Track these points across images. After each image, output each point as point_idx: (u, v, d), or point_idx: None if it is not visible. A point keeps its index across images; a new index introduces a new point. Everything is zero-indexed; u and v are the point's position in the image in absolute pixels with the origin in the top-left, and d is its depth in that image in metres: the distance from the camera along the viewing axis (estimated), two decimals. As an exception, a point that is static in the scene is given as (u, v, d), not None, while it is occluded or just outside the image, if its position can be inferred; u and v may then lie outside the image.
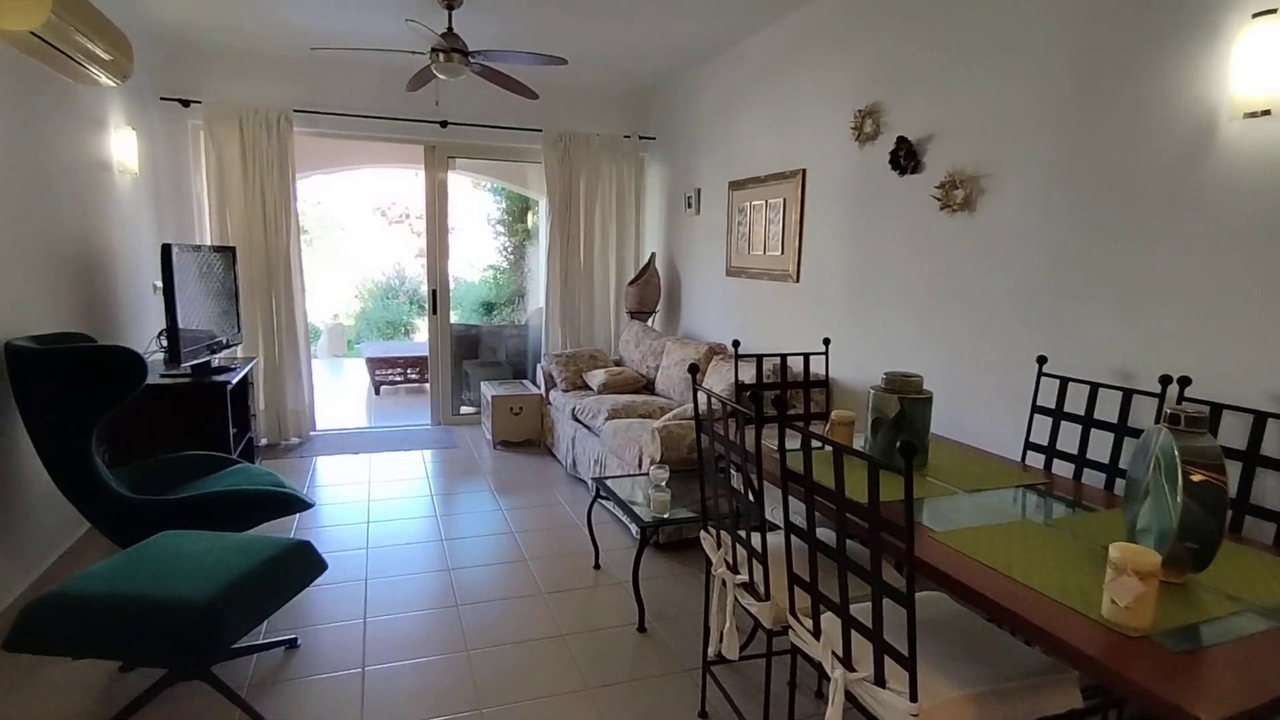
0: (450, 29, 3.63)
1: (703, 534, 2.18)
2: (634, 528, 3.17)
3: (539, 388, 5.22)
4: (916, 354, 2.98)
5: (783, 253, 3.93)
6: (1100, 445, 2.18)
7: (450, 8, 3.65)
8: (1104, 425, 2.14)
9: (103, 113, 3.59)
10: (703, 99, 4.82)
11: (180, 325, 3.43)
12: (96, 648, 1.86)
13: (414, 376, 7.34)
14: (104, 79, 3.22)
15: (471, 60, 3.68)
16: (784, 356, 2.78)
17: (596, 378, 4.69)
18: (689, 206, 5.03)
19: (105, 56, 3.05)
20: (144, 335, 3.95)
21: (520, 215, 9.64)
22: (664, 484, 2.92)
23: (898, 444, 1.21)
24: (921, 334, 2.95)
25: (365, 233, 13.05)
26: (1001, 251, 2.58)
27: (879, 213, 3.19)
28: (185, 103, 4.55)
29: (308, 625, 2.60)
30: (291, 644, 2.48)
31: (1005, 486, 1.99)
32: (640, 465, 3.42)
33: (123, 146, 3.79)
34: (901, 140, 2.98)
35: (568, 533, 3.53)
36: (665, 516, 2.75)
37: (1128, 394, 2.08)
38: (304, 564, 2.26)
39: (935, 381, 2.82)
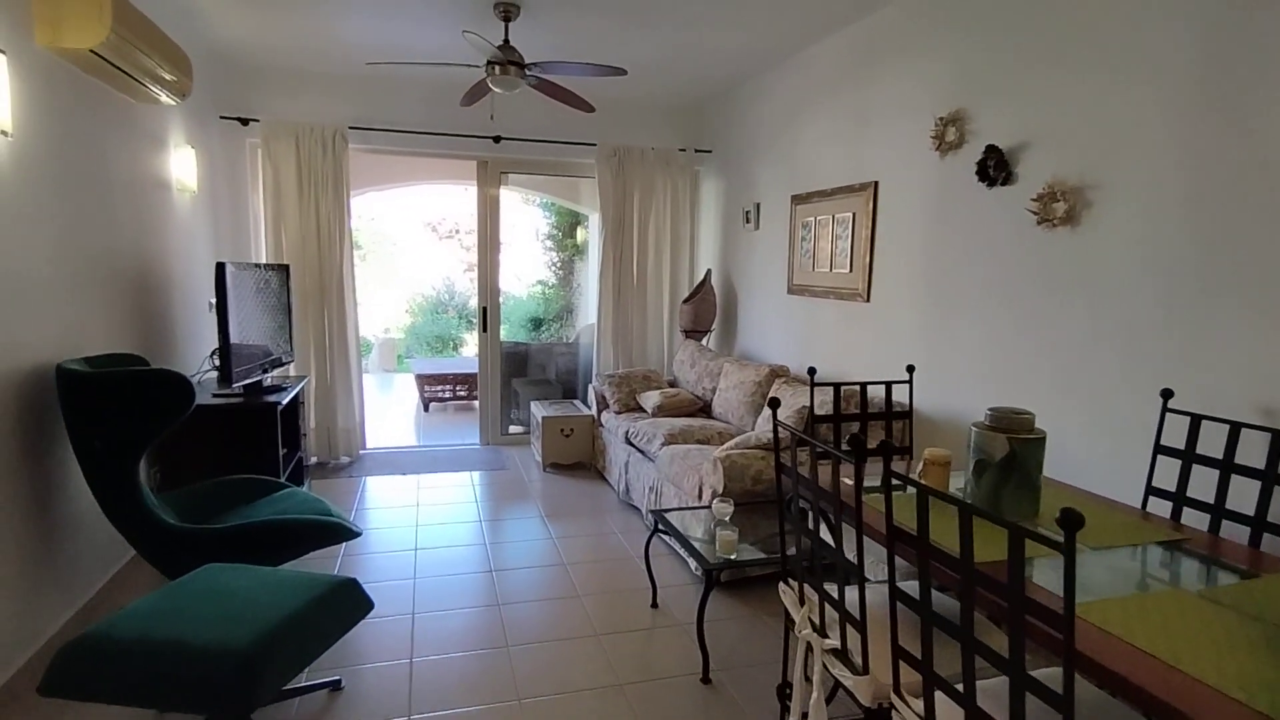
0: (507, 41, 3.53)
1: (782, 587, 1.96)
2: (697, 568, 2.97)
3: (590, 408, 5.07)
4: (1008, 383, 2.71)
5: (851, 270, 3.70)
6: (1241, 493, 1.89)
7: (507, 19, 3.56)
8: (1248, 471, 1.85)
9: (163, 131, 3.59)
10: (763, 109, 4.63)
11: (233, 344, 3.38)
12: (131, 695, 1.74)
13: (462, 394, 7.28)
14: (164, 97, 3.20)
15: (528, 73, 3.57)
16: (864, 385, 2.55)
17: (651, 399, 4.51)
18: (747, 221, 4.83)
19: (165, 75, 3.02)
20: (199, 354, 3.93)
21: (570, 230, 9.57)
22: (728, 519, 2.71)
23: (1060, 514, 0.99)
24: (1014, 361, 2.69)
25: (417, 248, 13.23)
26: (1111, 270, 2.32)
27: (963, 227, 2.95)
28: (244, 121, 4.57)
29: (352, 665, 2.46)
30: (335, 686, 2.34)
31: (1136, 542, 1.72)
32: (700, 496, 3.21)
33: (182, 165, 3.78)
34: (991, 149, 2.74)
35: (622, 566, 3.34)
36: (733, 558, 2.53)
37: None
38: (350, 604, 2.12)
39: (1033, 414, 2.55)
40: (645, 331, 5.47)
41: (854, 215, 3.68)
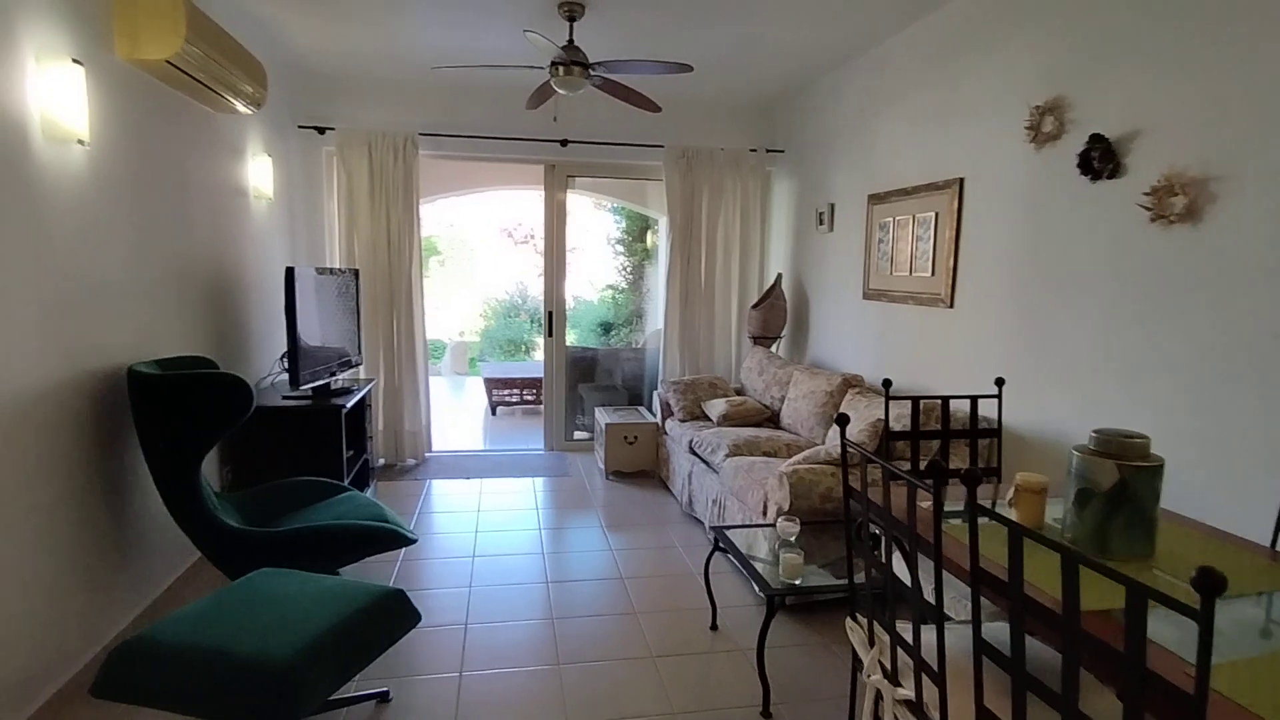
0: (571, 41, 3.47)
1: (849, 623, 1.78)
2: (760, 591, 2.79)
3: (655, 416, 4.95)
4: (1113, 401, 2.43)
5: (933, 273, 3.44)
6: None
7: (571, 19, 3.49)
8: None
9: (241, 140, 3.70)
10: (838, 106, 4.41)
11: (301, 347, 3.44)
12: (175, 702, 1.73)
13: (530, 398, 7.30)
14: (241, 107, 3.29)
15: (592, 73, 3.49)
16: (946, 399, 2.32)
17: (716, 408, 4.35)
18: (820, 223, 4.61)
19: (240, 85, 3.09)
20: (272, 356, 4.03)
21: (640, 235, 9.51)
22: (794, 540, 2.53)
23: (1196, 574, 0.80)
24: (1120, 375, 2.40)
25: (493, 253, 13.51)
26: (1238, 272, 2.02)
27: (1061, 226, 2.67)
28: (321, 130, 4.68)
29: (401, 676, 2.42)
30: (383, 697, 2.30)
31: (1266, 589, 1.46)
32: (765, 513, 3.04)
33: (260, 173, 3.89)
34: (1095, 138, 2.46)
35: (681, 583, 3.20)
36: (797, 583, 2.36)
37: None
38: (395, 617, 2.06)
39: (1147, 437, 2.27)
40: (712, 337, 5.31)
41: (936, 215, 3.42)
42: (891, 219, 3.80)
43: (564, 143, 4.99)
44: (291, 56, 4.30)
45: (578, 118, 4.98)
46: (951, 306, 3.32)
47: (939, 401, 2.39)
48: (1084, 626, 1.03)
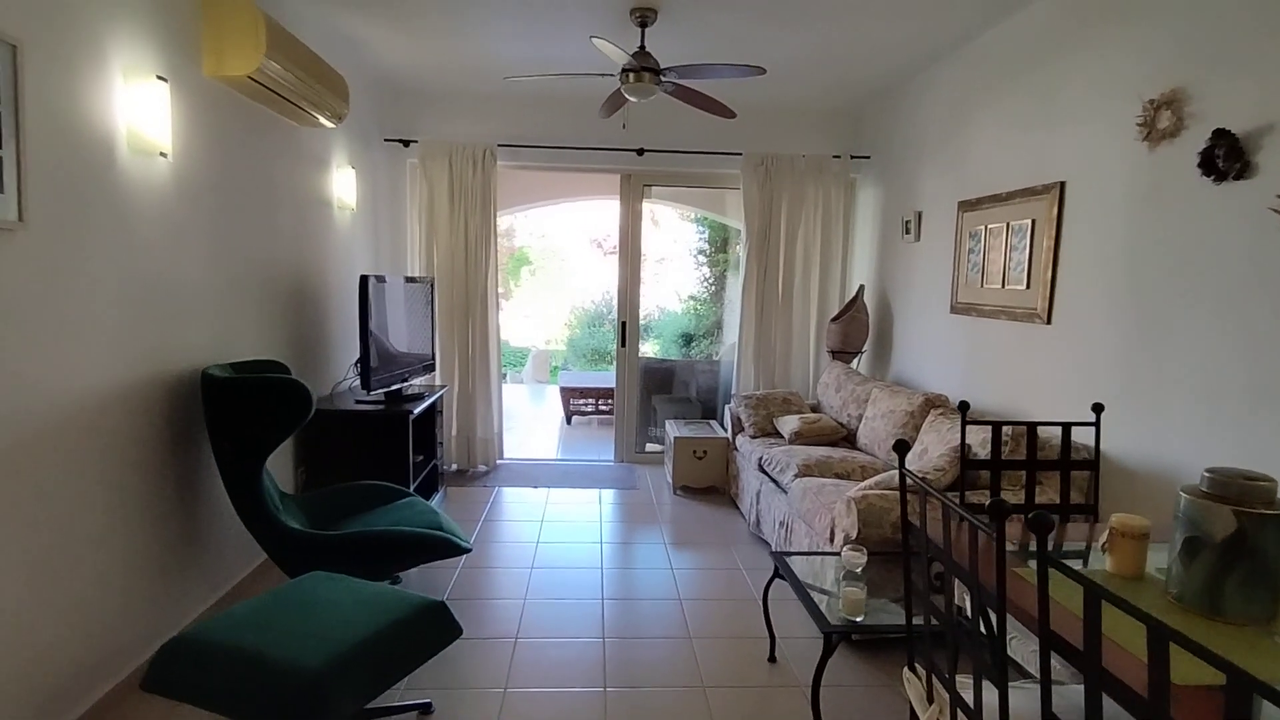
0: (642, 47, 3.41)
1: (907, 674, 1.61)
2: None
3: (726, 430, 4.80)
4: (1235, 435, 2.11)
5: (1028, 286, 3.15)
6: None
7: (644, 25, 3.44)
8: None
9: (326, 153, 3.85)
10: (928, 108, 4.15)
11: (375, 353, 3.52)
12: (214, 702, 1.75)
13: (605, 408, 7.28)
14: (323, 120, 3.41)
15: (663, 79, 3.42)
16: (1033, 425, 2.08)
17: (788, 424, 4.16)
18: (907, 232, 4.35)
19: (321, 98, 3.20)
20: (349, 362, 4.16)
21: (722, 245, 9.37)
22: (859, 571, 2.35)
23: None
24: (1245, 406, 2.09)
25: (583, 263, 13.76)
26: (1405, 288, 1.71)
27: (1178, 233, 2.37)
28: (405, 143, 4.83)
29: (446, 687, 2.39)
30: (425, 709, 2.27)
31: None
32: (832, 539, 2.85)
33: (343, 184, 4.04)
34: (1220, 134, 2.16)
35: (742, 608, 3.04)
36: (859, 620, 2.17)
37: None
38: (435, 630, 2.03)
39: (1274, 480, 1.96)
40: (789, 351, 5.11)
41: (1033, 222, 3.14)
42: (983, 227, 3.52)
43: (640, 152, 4.95)
44: (377, 72, 4.46)
45: (653, 126, 4.93)
46: (1049, 322, 3.02)
47: (1026, 427, 2.15)
48: (1180, 708, 0.84)
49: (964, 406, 2.19)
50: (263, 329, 3.15)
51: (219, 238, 2.77)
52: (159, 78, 2.31)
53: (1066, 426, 2.06)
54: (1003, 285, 3.35)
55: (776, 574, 2.61)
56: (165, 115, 2.34)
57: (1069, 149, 2.93)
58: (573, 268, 14.06)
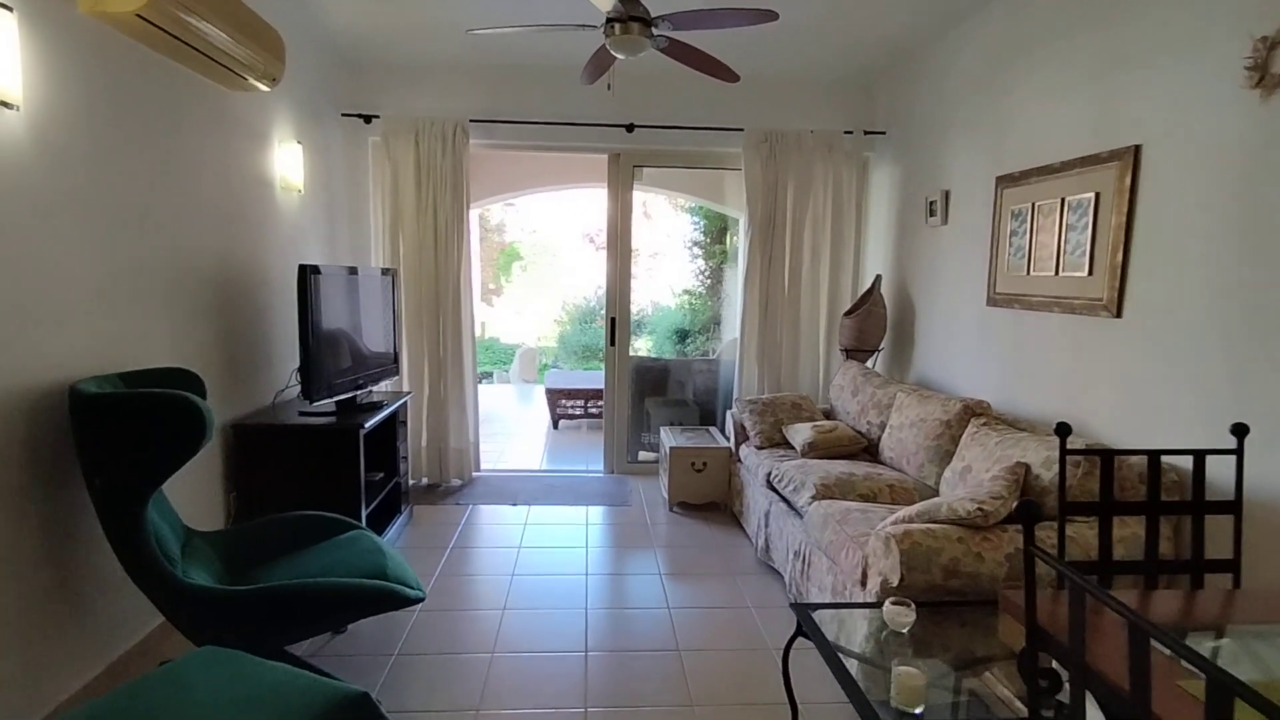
0: (629, -6, 2.88)
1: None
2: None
3: (728, 439, 4.29)
4: None
5: (1090, 272, 2.65)
6: None
7: (631, -31, 2.90)
8: None
9: (264, 125, 3.31)
10: (957, 70, 3.64)
11: (322, 357, 3.00)
12: None
13: (594, 411, 6.75)
14: (253, 82, 2.88)
15: (655, 31, 2.90)
16: (1156, 454, 1.57)
17: (800, 434, 3.65)
18: (931, 214, 3.84)
19: (242, 52, 2.66)
20: (294, 368, 3.62)
21: (718, 236, 8.89)
22: (906, 632, 1.86)
23: None
24: None
25: (574, 259, 13.37)
26: None
27: (1310, 202, 1.87)
28: (366, 119, 4.29)
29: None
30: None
31: None
32: (863, 582, 2.34)
33: (287, 162, 3.50)
34: (1383, 68, 1.66)
35: (753, 662, 2.53)
36: (918, 713, 1.66)
37: None
38: (353, 733, 1.52)
39: None
40: (797, 349, 4.60)
41: (1095, 196, 2.63)
42: (1029, 205, 3.01)
43: (630, 128, 4.42)
44: (329, 35, 3.92)
45: (645, 99, 4.41)
46: (1118, 315, 2.52)
47: (1147, 458, 1.63)
48: None
49: (1063, 431, 1.67)
50: (174, 331, 2.61)
51: (106, 217, 2.23)
52: (1, 5, 1.77)
53: (1200, 455, 1.56)
54: (1056, 272, 2.84)
55: (800, 632, 2.09)
56: (12, 54, 1.81)
57: (1145, 105, 2.43)
58: (565, 263, 13.66)
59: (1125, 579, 1.73)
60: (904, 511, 2.37)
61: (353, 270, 3.42)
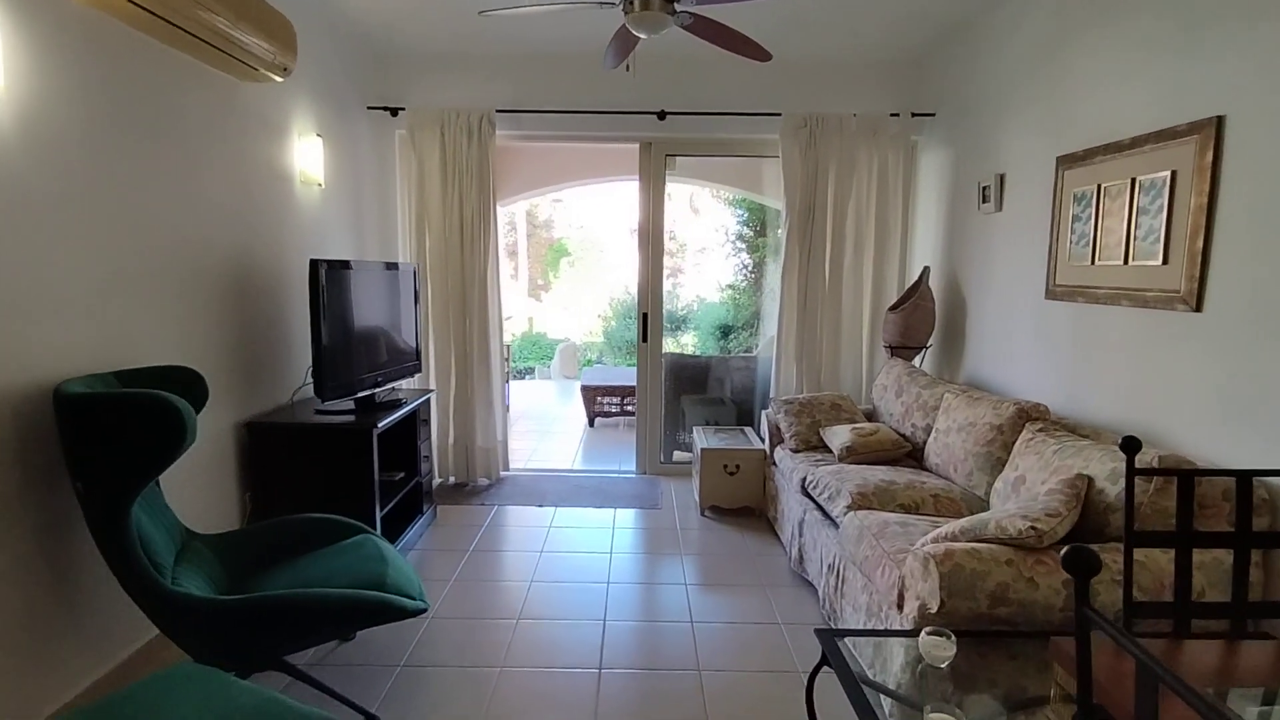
0: (649, -33, 2.70)
1: None
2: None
3: (763, 440, 4.07)
4: None
5: (1165, 260, 2.36)
6: None
7: (651, -60, 2.72)
8: None
9: (282, 117, 3.24)
10: (1015, 45, 3.34)
11: (337, 354, 2.94)
12: None
13: (630, 408, 6.60)
14: (263, 72, 2.80)
15: (678, 7, 2.71)
16: (1248, 475, 1.32)
17: (838, 437, 3.42)
18: (985, 201, 3.55)
19: (245, 39, 2.58)
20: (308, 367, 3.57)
21: (761, 229, 8.62)
22: (944, 666, 1.65)
23: None
24: None
25: (621, 254, 13.40)
26: None
27: None
28: (394, 111, 4.22)
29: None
30: None
31: None
32: (900, 605, 2.12)
33: (307, 156, 3.44)
34: None
35: (777, 686, 2.34)
36: (955, 768, 1.45)
37: None
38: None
39: None
40: (838, 347, 4.35)
41: (1171, 175, 2.34)
42: (1094, 187, 2.72)
43: (661, 115, 4.24)
44: (352, 25, 3.85)
45: (675, 85, 4.23)
46: (1198, 309, 2.23)
47: (1234, 478, 1.38)
48: None
49: (1131, 445, 1.42)
50: (182, 329, 2.55)
51: (103, 211, 2.17)
52: (-21, -10, 1.71)
53: (1303, 477, 1.30)
54: (1125, 260, 2.55)
55: (825, 661, 1.89)
56: (-9, 41, 1.74)
57: (1230, 71, 2.13)
58: (611, 259, 13.66)
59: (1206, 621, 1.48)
60: (946, 528, 2.14)
61: (371, 265, 3.34)
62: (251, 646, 1.96)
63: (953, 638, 1.68)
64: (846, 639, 1.87)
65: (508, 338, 10.71)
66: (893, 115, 4.19)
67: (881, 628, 2.22)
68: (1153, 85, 2.45)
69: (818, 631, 1.86)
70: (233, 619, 1.87)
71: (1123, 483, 1.98)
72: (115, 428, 1.74)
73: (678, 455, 5.06)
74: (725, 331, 9.66)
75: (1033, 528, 1.92)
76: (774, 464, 3.81)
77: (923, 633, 1.72)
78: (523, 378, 11.01)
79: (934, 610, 1.89)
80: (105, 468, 1.76)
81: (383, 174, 4.37)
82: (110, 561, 1.86)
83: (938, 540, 2.07)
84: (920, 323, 3.92)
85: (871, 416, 3.85)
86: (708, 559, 3.39)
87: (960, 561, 1.90)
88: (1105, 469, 2.10)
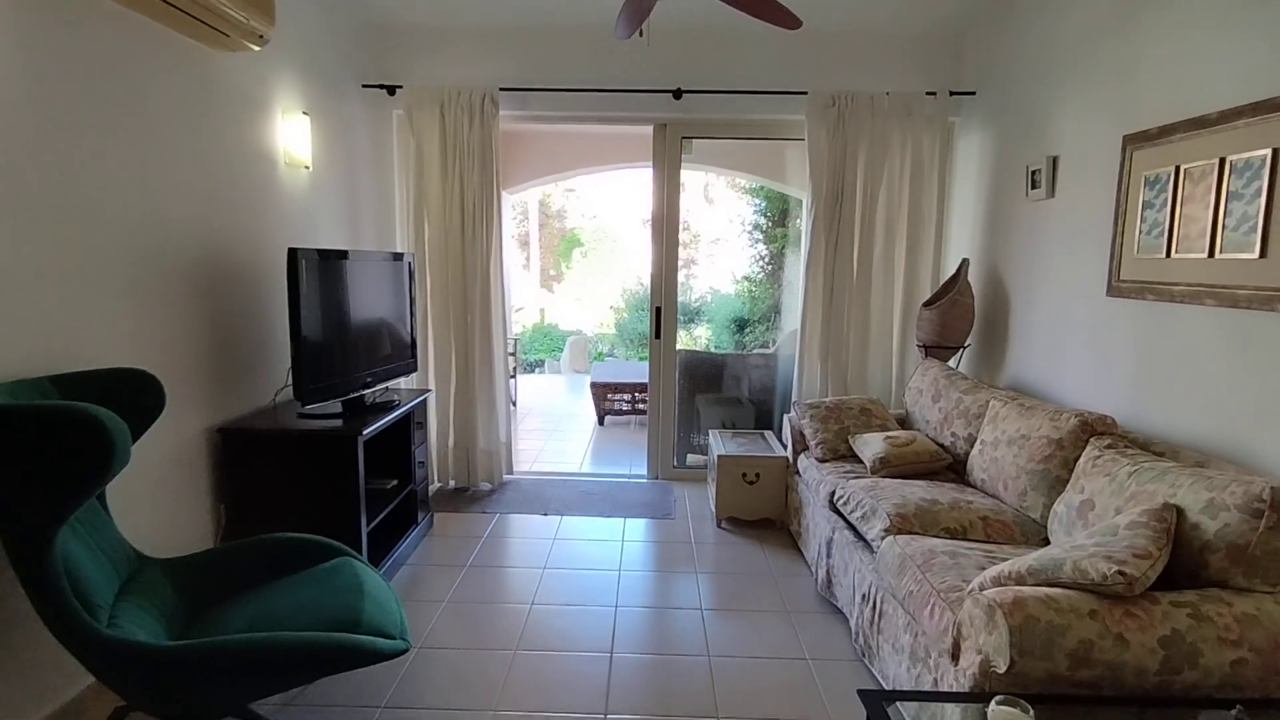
0: (666, -80, 2.39)
1: None
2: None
3: (785, 447, 3.77)
4: None
5: (1262, 253, 2.03)
6: None
7: (669, -111, 2.41)
8: None
9: (263, 93, 2.97)
10: (1070, 12, 3.00)
11: (320, 354, 2.67)
12: None
13: (642, 406, 6.31)
14: (237, 39, 2.52)
15: (696, -35, 2.40)
16: None
17: (870, 446, 3.11)
18: (1034, 186, 3.21)
19: (213, 3, 2.30)
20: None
21: (779, 219, 8.28)
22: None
23: None
24: None
25: (635, 245, 13.16)
26: None
27: None
28: (391, 90, 3.93)
29: None
30: None
31: None
32: (955, 656, 1.81)
33: (293, 135, 3.16)
34: None
35: (811, 736, 2.05)
36: None
37: None
38: None
39: None
40: (866, 345, 4.03)
41: (1272, 154, 2.00)
42: (1171, 170, 2.39)
43: (677, 93, 3.92)
44: (354, 4, 3.56)
45: (693, 62, 3.91)
46: (1306, 311, 1.90)
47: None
48: None
49: None
50: (138, 327, 2.28)
51: (48, 191, 1.90)
52: None
53: None
54: (1210, 254, 2.22)
55: (871, 727, 1.60)
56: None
57: (1358, 27, 1.79)
58: (624, 250, 13.41)
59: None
60: (1009, 565, 1.83)
61: (361, 255, 3.06)
62: (200, 698, 1.69)
63: (1030, 711, 1.39)
64: (893, 708, 1.57)
65: (518, 329, 10.45)
66: (929, 94, 3.85)
67: (930, 677, 1.92)
68: (1248, 51, 2.11)
69: (862, 694, 1.57)
70: (176, 669, 1.61)
71: (1222, 516, 1.68)
72: (33, 447, 1.47)
73: (691, 458, 4.77)
74: (741, 325, 9.35)
75: (1120, 573, 1.61)
76: (797, 473, 3.51)
77: (992, 703, 1.43)
78: (532, 371, 10.76)
79: (1003, 670, 1.59)
80: (21, 494, 1.49)
81: (379, 158, 4.09)
82: (33, 600, 1.59)
83: (1001, 581, 1.77)
84: (958, 320, 3.59)
85: (904, 423, 3.53)
86: (725, 579, 3.10)
87: (1034, 613, 1.59)
88: (1199, 499, 1.79)
